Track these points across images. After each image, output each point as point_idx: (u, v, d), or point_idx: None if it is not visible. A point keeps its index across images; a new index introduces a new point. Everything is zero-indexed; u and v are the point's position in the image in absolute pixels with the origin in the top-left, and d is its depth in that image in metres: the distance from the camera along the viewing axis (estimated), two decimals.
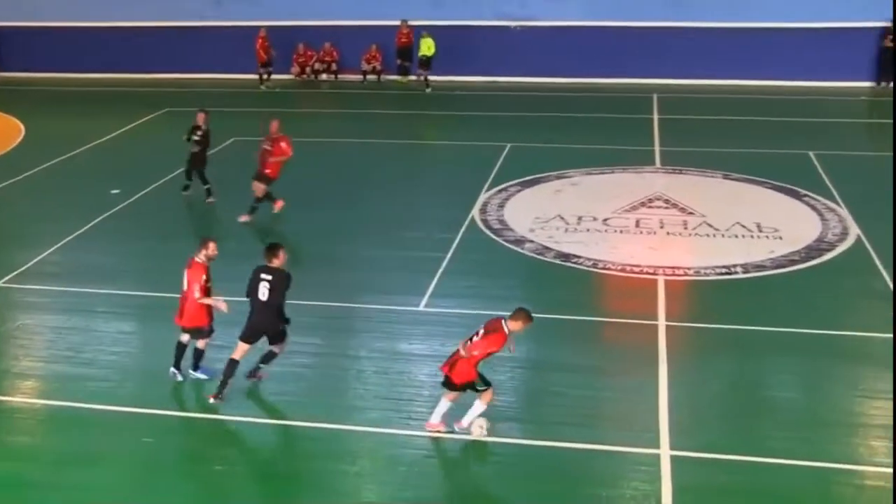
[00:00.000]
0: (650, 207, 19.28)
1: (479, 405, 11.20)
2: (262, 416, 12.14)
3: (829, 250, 17.06)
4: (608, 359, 13.27)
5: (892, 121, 26.49)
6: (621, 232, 17.95)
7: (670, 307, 14.64)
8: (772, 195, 20.08)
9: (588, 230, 17.95)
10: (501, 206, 19.45)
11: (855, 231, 17.86)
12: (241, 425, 11.88)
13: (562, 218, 18.64)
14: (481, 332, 10.96)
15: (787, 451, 10.95)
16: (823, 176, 21.08)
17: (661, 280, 15.61)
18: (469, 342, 10.99)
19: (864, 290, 15.41)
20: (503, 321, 10.88)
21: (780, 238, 17.58)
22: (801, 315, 14.47)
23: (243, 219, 18.66)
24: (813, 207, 19.26)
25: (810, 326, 14.05)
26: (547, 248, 17.18)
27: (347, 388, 12.75)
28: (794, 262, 16.55)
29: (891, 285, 15.47)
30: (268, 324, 12.02)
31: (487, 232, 18.01)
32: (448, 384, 11.20)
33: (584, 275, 16.07)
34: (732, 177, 21.26)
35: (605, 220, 18.54)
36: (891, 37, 29.05)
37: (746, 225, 18.22)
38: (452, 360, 11.11)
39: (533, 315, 10.96)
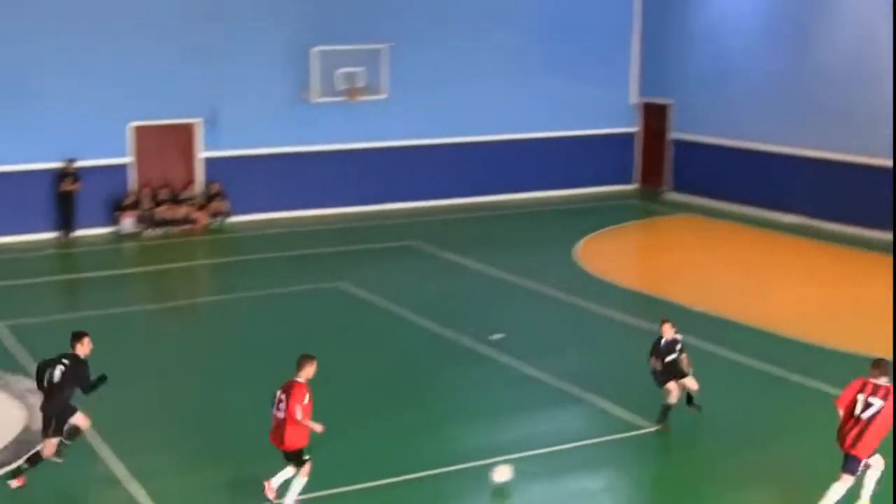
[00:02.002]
0: None
1: (300, 479, 12.21)
2: None
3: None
4: None
5: (78, 275, 25.08)
6: None
7: None
8: None
9: None
10: None
11: None
12: None
13: None
14: (283, 397, 12.12)
15: None
16: (20, 351, 18.88)
17: None
18: (283, 410, 12.07)
19: (88, 479, 13.53)
20: (294, 381, 12.16)
21: None
22: None
23: None
24: (12, 392, 16.96)
25: None
26: None
27: None
28: (2, 465, 14.10)
29: (114, 470, 13.87)
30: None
31: None
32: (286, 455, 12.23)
33: None
34: None
35: None
36: (70, 179, 27.56)
37: None
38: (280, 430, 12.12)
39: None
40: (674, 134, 32.41)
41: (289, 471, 12.26)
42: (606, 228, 28.03)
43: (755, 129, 29.79)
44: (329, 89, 28.95)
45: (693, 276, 23.65)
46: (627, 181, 33.55)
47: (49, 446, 13.04)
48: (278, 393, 12.19)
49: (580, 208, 31.05)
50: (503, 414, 15.72)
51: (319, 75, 28.89)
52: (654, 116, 32.95)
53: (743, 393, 16.49)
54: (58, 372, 12.89)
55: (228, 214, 29.24)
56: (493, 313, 20.43)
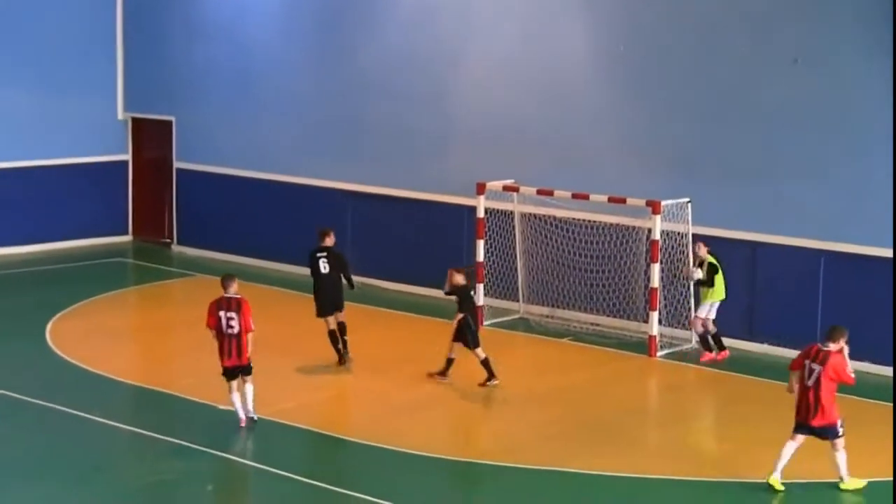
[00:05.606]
0: None
1: (251, 388, 17.21)
2: None
3: None
4: None
5: None
6: None
7: None
8: None
9: None
10: None
11: None
12: None
13: None
14: (234, 314, 16.70)
15: None
16: None
17: None
18: (235, 325, 16.72)
19: None
20: (238, 299, 16.94)
21: None
22: None
23: None
24: None
25: None
26: None
27: None
28: None
29: None
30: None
31: None
32: (244, 369, 17.04)
33: None
34: None
35: None
36: None
37: None
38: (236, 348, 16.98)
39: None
40: (178, 163, 30.16)
41: (249, 389, 16.98)
42: (89, 299, 25.58)
43: (291, 160, 27.90)
44: None
45: (207, 359, 20.87)
46: (119, 231, 31.11)
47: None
48: (223, 313, 16.65)
49: (51, 272, 28.49)
50: None
51: None
52: (152, 139, 30.53)
53: None
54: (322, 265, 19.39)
55: None
56: None
